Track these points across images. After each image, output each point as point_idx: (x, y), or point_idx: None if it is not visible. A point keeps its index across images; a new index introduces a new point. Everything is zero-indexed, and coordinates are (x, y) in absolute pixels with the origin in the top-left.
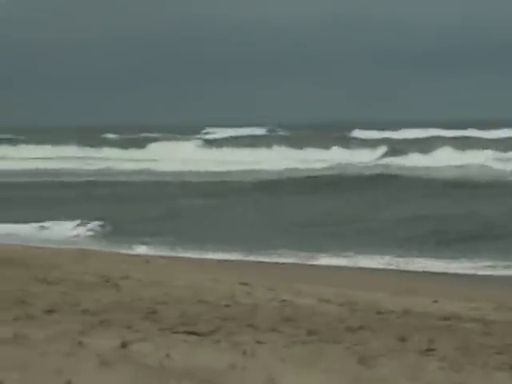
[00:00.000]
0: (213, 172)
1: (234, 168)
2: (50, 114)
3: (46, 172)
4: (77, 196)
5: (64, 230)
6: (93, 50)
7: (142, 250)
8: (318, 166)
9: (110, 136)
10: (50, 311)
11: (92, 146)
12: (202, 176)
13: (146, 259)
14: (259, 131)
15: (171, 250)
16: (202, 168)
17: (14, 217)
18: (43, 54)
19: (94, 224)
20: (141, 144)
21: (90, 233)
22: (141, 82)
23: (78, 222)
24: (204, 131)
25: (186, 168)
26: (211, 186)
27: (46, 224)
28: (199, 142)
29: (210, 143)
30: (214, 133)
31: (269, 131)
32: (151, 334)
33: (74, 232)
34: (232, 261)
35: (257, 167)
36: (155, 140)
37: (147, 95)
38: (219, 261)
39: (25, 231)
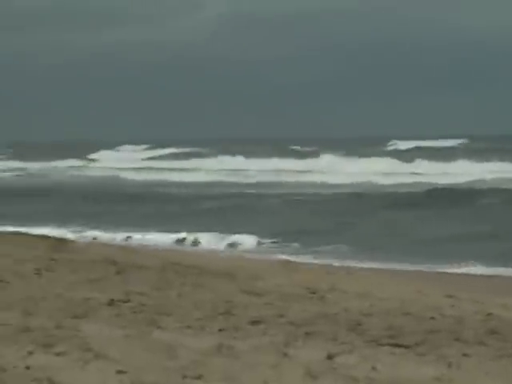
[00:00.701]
0: (381, 185)
1: (409, 180)
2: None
3: (234, 184)
4: (248, 208)
5: (249, 242)
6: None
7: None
8: (505, 176)
9: (296, 148)
10: (255, 322)
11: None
12: (371, 187)
13: (347, 271)
14: (447, 143)
15: (357, 261)
16: (373, 179)
17: (200, 226)
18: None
19: (267, 234)
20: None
21: (263, 243)
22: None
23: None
24: (390, 143)
25: (355, 180)
26: (381, 198)
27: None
28: (383, 154)
29: (394, 154)
30: (397, 144)
31: (457, 143)
32: (357, 346)
33: (252, 243)
34: (434, 272)
35: (435, 179)
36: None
37: (342, 108)
38: (421, 272)
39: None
